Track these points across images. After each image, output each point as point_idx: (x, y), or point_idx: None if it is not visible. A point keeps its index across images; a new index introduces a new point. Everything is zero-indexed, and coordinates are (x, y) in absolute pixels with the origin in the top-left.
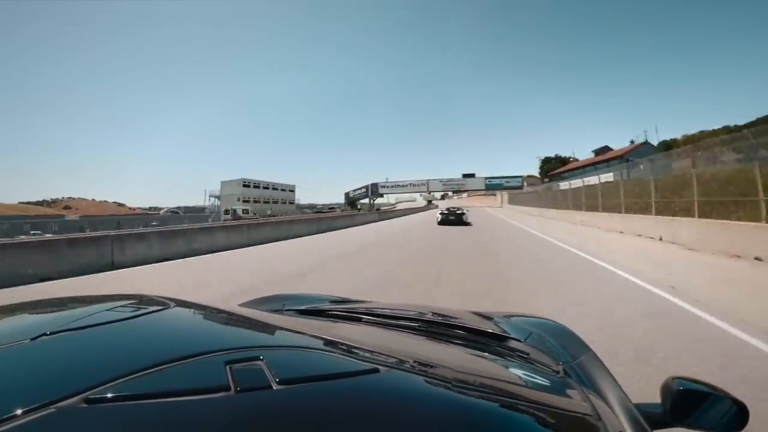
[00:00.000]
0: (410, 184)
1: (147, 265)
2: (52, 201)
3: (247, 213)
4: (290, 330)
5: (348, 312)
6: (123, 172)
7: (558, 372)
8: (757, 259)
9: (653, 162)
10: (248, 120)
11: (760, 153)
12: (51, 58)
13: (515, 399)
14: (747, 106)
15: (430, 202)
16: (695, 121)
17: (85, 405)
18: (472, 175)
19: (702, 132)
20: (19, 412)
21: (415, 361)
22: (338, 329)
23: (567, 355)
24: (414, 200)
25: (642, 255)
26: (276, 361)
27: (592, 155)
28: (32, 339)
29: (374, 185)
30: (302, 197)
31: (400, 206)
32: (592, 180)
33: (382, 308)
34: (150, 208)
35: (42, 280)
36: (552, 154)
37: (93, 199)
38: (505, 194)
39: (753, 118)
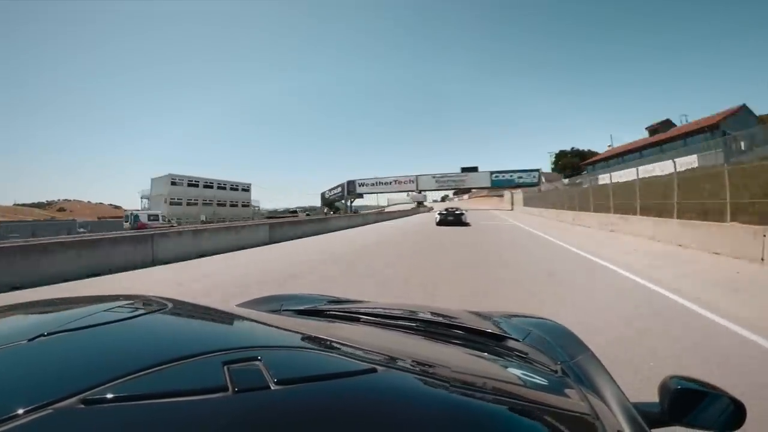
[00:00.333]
0: (395, 180)
1: None
2: (48, 203)
3: (157, 219)
4: (288, 330)
5: (346, 312)
6: (122, 173)
7: (556, 371)
8: None
9: None
10: (248, 121)
11: None
12: (48, 58)
13: (513, 398)
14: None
15: (420, 203)
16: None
17: (83, 406)
18: (473, 169)
19: None
20: (17, 412)
21: (412, 361)
22: (336, 329)
23: (565, 355)
24: (410, 201)
25: None
26: (274, 361)
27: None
28: (30, 340)
29: (350, 183)
30: (284, 199)
31: (391, 209)
32: (650, 168)
33: (380, 308)
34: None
35: None
36: (566, 147)
37: (89, 202)
38: (518, 193)
39: None
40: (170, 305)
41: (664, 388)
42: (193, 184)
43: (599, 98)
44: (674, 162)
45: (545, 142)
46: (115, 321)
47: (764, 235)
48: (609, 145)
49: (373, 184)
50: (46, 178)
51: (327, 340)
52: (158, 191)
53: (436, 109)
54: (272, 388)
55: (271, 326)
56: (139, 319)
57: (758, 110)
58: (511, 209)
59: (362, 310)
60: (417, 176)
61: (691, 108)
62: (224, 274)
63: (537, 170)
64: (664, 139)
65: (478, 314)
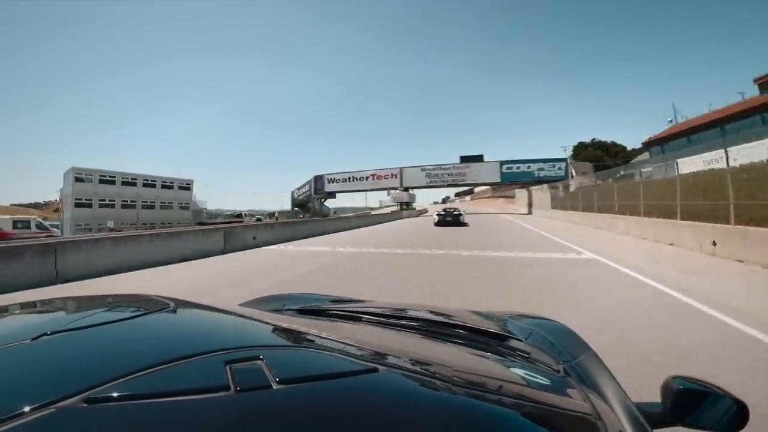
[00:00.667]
0: (373, 175)
1: None
2: (45, 203)
3: (29, 227)
4: (290, 330)
5: (348, 311)
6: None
7: (558, 371)
8: None
9: None
10: (248, 120)
11: None
12: (46, 58)
13: (516, 398)
14: None
15: (406, 205)
16: None
17: (86, 405)
18: (476, 159)
19: None
20: (20, 411)
21: (414, 361)
22: (338, 329)
23: (567, 355)
24: (393, 203)
25: None
26: (276, 360)
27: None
28: (33, 339)
29: (318, 179)
30: (257, 201)
31: (382, 211)
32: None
33: (382, 308)
34: None
35: None
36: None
37: None
38: (541, 190)
39: None
40: (172, 304)
41: (666, 389)
42: (107, 180)
43: (603, 97)
44: None
45: (539, 149)
46: (118, 320)
47: None
48: (670, 120)
49: (345, 180)
50: (44, 179)
51: (329, 339)
52: (67, 190)
53: (437, 109)
54: (274, 387)
55: (273, 326)
56: (141, 319)
57: None
58: (528, 212)
59: (364, 310)
60: (401, 169)
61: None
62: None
63: (564, 159)
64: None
65: (480, 314)
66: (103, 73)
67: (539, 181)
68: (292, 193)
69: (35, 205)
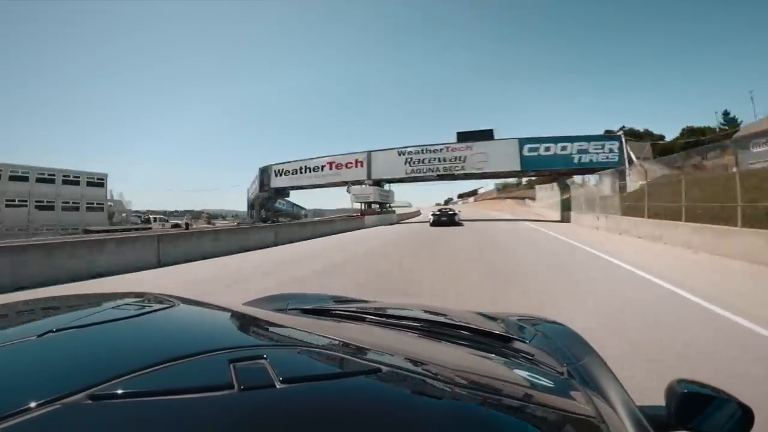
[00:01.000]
0: (331, 164)
1: None
2: None
3: None
4: (294, 329)
5: (352, 312)
6: (123, 172)
7: (562, 373)
8: None
9: None
10: (249, 120)
11: None
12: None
13: (519, 400)
14: None
15: (380, 206)
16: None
17: (91, 401)
18: (484, 135)
19: None
20: (25, 407)
21: (418, 362)
22: (342, 329)
23: (571, 357)
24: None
25: None
26: (279, 360)
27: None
28: (39, 336)
29: (263, 172)
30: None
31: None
32: None
33: (386, 308)
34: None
35: None
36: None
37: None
38: (581, 188)
39: None
40: (177, 303)
41: (670, 392)
42: None
43: (611, 97)
44: None
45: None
46: (123, 318)
47: None
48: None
49: (295, 172)
50: None
51: (332, 339)
52: None
53: (439, 110)
54: (278, 386)
55: (277, 325)
56: (146, 317)
57: None
58: (561, 219)
59: (368, 310)
60: (369, 153)
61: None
62: None
63: (617, 138)
64: None
65: (484, 315)
66: (103, 72)
67: (580, 169)
68: (247, 191)
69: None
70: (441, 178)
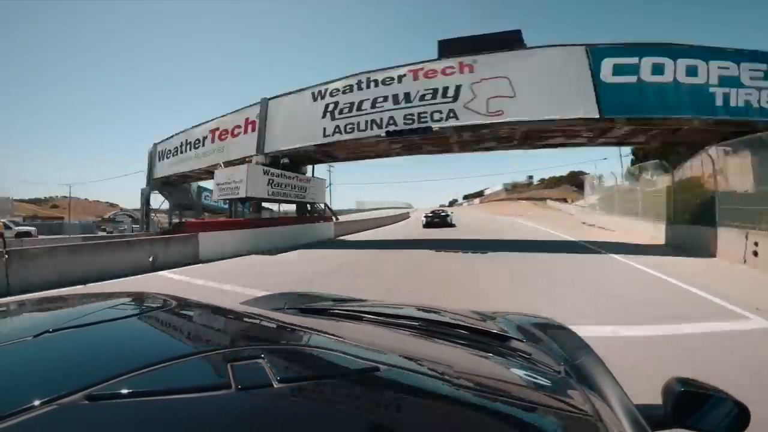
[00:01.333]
0: (214, 131)
1: None
2: (45, 199)
3: None
4: (291, 329)
5: (349, 311)
6: (124, 170)
7: (559, 372)
8: None
9: None
10: None
11: None
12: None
13: (516, 399)
14: None
15: (308, 207)
16: None
17: (88, 402)
18: (505, 43)
19: None
20: (22, 408)
21: (415, 361)
22: (339, 328)
23: (568, 356)
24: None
25: None
26: (277, 359)
27: None
28: (35, 336)
29: (151, 157)
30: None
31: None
32: None
33: (383, 307)
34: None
35: None
36: None
37: (86, 199)
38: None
39: None
40: (175, 303)
41: (667, 390)
42: None
43: None
44: None
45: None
46: (120, 318)
47: None
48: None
49: (177, 151)
50: (43, 175)
51: (330, 338)
52: None
53: None
54: (275, 386)
55: (275, 325)
56: (144, 316)
57: None
58: (667, 243)
59: (365, 309)
60: (266, 102)
61: None
62: None
63: None
64: None
65: (481, 314)
66: (104, 72)
67: (727, 124)
68: (142, 190)
69: (35, 201)
70: (400, 136)
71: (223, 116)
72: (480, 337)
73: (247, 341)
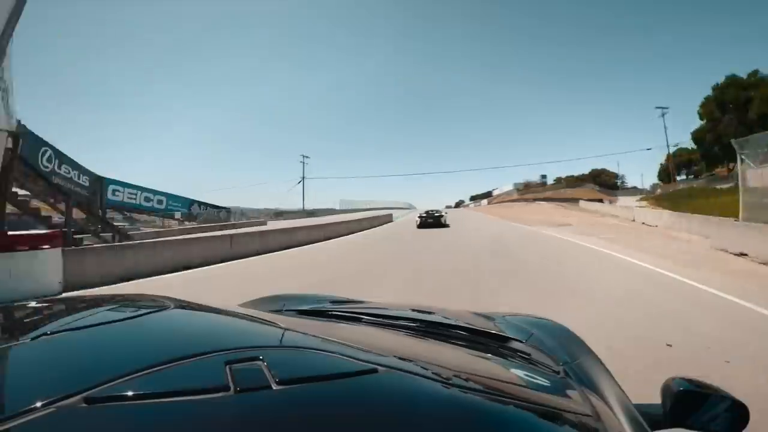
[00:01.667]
0: None
1: None
2: None
3: None
4: (290, 330)
5: (348, 312)
6: (124, 168)
7: (558, 372)
8: None
9: None
10: (253, 118)
11: None
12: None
13: (515, 399)
14: None
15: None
16: None
17: (85, 405)
18: None
19: None
20: (20, 411)
21: (414, 362)
22: (338, 329)
23: (567, 356)
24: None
25: None
26: (275, 361)
27: None
28: (33, 339)
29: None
30: None
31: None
32: None
33: (382, 308)
34: None
35: None
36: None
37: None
38: None
39: None
40: (173, 305)
41: (666, 390)
42: None
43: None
44: None
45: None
46: (118, 320)
47: None
48: None
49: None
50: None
51: (329, 340)
52: None
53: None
54: (274, 388)
55: (273, 326)
56: (141, 319)
57: None
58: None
59: (364, 311)
60: None
61: None
62: None
63: None
64: None
65: (480, 315)
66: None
67: None
68: None
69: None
70: None
71: None
72: (479, 337)
73: (246, 343)
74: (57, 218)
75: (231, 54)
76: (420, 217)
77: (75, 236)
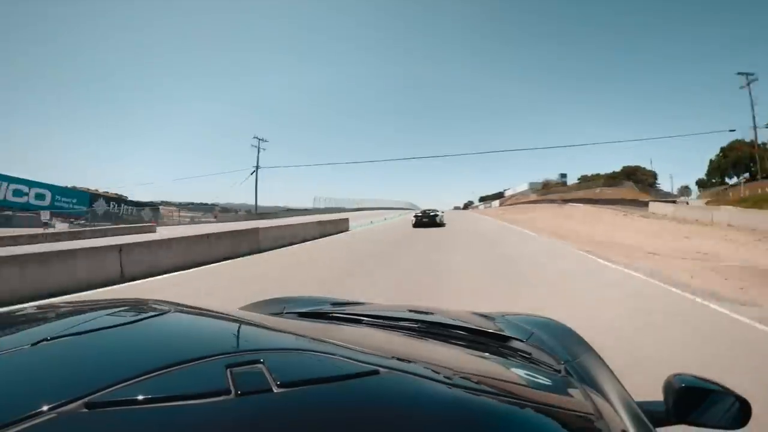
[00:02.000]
0: None
1: None
2: None
3: None
4: (291, 333)
5: (348, 314)
6: (125, 165)
7: (560, 371)
8: None
9: None
10: (252, 117)
11: None
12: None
13: (517, 399)
14: None
15: None
16: None
17: (86, 410)
18: None
19: None
20: (20, 417)
21: (416, 363)
22: (339, 331)
23: (568, 354)
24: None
25: None
26: (276, 364)
27: None
28: (33, 344)
29: None
30: None
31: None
32: None
33: (382, 310)
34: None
35: None
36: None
37: (96, 189)
38: None
39: None
40: (172, 309)
41: (668, 387)
42: None
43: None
44: None
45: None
46: (118, 325)
47: None
48: None
49: None
50: (51, 167)
51: (329, 342)
52: None
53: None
54: (275, 391)
55: (274, 329)
56: (141, 323)
57: None
58: None
59: (365, 312)
60: None
61: None
62: None
63: None
64: None
65: (481, 315)
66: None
67: None
68: None
69: None
70: None
71: None
72: (480, 337)
73: (246, 346)
74: None
75: (231, 49)
76: (416, 216)
77: None
